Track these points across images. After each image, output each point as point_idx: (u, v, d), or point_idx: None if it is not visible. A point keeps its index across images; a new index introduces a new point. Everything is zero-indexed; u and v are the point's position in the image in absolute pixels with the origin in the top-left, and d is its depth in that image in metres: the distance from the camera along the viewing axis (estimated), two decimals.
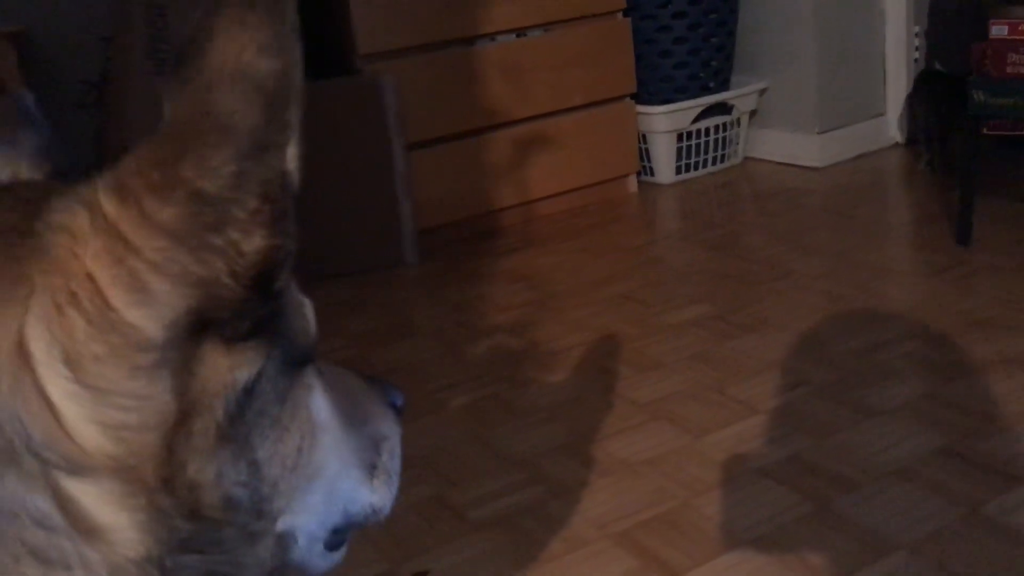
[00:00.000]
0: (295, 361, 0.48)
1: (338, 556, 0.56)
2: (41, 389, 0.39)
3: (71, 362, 0.39)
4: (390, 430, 0.60)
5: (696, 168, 3.05)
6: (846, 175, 2.90)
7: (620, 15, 2.83)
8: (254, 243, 0.40)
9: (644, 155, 3.02)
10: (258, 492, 0.45)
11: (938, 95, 2.67)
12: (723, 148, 3.07)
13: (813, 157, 2.97)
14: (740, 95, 3.02)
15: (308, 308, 0.51)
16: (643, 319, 2.06)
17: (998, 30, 2.16)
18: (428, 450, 1.62)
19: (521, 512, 1.43)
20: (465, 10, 2.56)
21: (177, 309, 0.39)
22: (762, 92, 3.05)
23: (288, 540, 0.49)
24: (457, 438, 1.67)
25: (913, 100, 2.91)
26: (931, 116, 2.73)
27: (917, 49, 3.02)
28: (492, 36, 2.64)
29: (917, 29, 3.00)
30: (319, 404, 0.51)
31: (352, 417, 0.55)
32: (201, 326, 0.41)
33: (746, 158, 3.14)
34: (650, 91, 2.95)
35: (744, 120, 3.08)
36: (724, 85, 3.02)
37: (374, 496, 0.57)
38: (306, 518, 0.50)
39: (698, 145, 3.03)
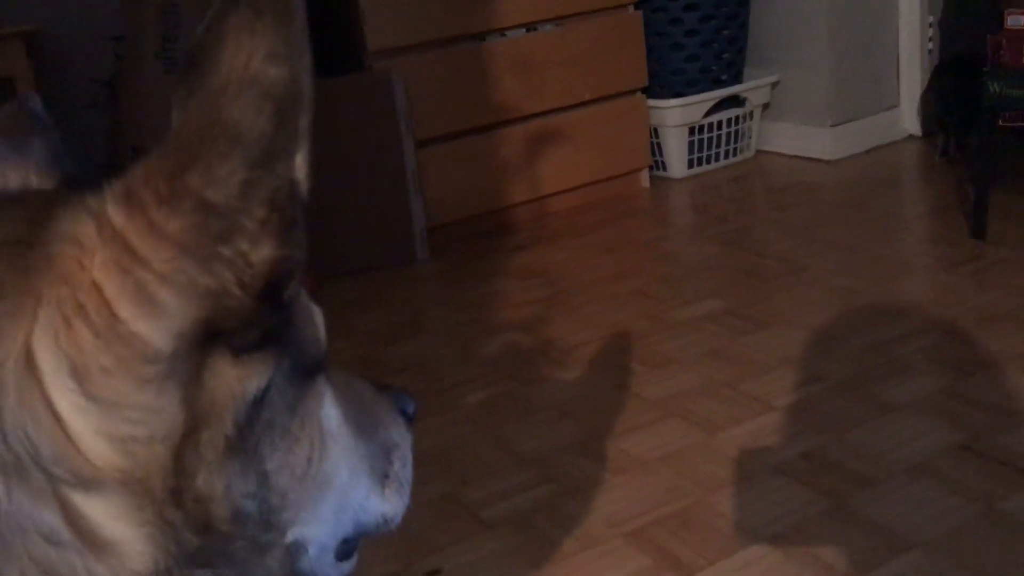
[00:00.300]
0: (305, 371, 0.47)
1: (349, 566, 0.55)
2: (49, 402, 0.38)
3: (78, 374, 0.38)
4: (401, 438, 0.60)
5: (708, 162, 3.03)
6: (859, 168, 2.88)
7: (631, 8, 2.82)
8: (262, 253, 0.40)
9: (656, 149, 3.01)
10: (267, 503, 0.45)
11: (956, 85, 2.65)
12: (735, 142, 3.06)
13: (826, 150, 2.95)
14: (752, 88, 3.00)
15: (318, 317, 0.51)
16: (656, 315, 2.05)
17: (1014, 20, 2.13)
18: (440, 448, 1.62)
19: (534, 510, 1.43)
20: (475, 5, 2.55)
21: (185, 320, 0.39)
22: (774, 85, 3.03)
23: (298, 551, 0.48)
24: (470, 436, 1.66)
25: (930, 90, 2.88)
26: (948, 106, 2.70)
27: (931, 40, 2.99)
28: (502, 31, 2.63)
29: (931, 20, 2.98)
30: (330, 413, 0.50)
31: (363, 425, 0.55)
32: (209, 337, 0.40)
33: (758, 151, 3.12)
34: (662, 85, 2.93)
35: (756, 113, 3.06)
36: (736, 78, 3.00)
37: (385, 505, 0.56)
38: (316, 528, 0.49)
39: (710, 139, 3.01)
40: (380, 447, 0.57)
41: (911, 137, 3.05)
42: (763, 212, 2.71)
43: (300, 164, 0.41)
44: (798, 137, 3.02)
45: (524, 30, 2.66)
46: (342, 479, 0.51)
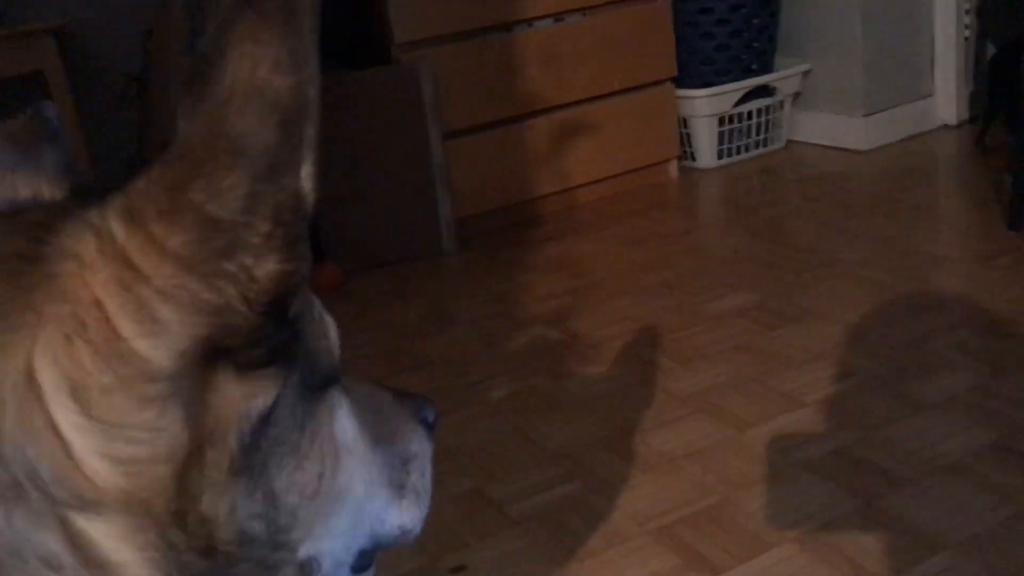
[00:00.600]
0: (316, 385, 0.46)
1: None
2: (51, 422, 0.37)
3: (78, 394, 0.37)
4: (420, 448, 0.59)
5: (738, 152, 3.00)
6: (893, 159, 2.83)
7: None
8: (266, 268, 0.39)
9: (685, 140, 2.98)
10: (275, 523, 0.44)
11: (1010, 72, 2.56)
12: (766, 132, 3.02)
13: (859, 140, 2.90)
14: (783, 77, 2.96)
15: (331, 329, 0.50)
16: (684, 309, 2.03)
17: None
18: (466, 443, 1.62)
19: (561, 506, 1.42)
20: None
21: (186, 338, 0.38)
22: (806, 74, 2.99)
23: (311, 567, 0.47)
24: (496, 431, 1.66)
25: (987, 77, 2.78)
26: (1002, 95, 2.61)
27: (967, 28, 2.93)
28: (530, 22, 2.61)
29: (967, 6, 2.92)
30: (344, 425, 0.49)
31: (380, 436, 0.54)
32: (213, 354, 0.39)
33: (789, 142, 3.08)
34: (691, 74, 2.90)
35: (787, 103, 3.02)
36: (767, 67, 2.96)
37: (402, 516, 0.56)
38: (331, 543, 0.48)
39: (740, 129, 2.98)
40: (397, 457, 0.56)
41: (946, 127, 2.99)
42: (794, 203, 2.67)
43: (306, 176, 0.40)
44: (830, 127, 2.98)
45: (552, 20, 2.64)
46: (358, 492, 0.50)
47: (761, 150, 3.03)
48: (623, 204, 2.77)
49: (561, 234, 2.62)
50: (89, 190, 0.47)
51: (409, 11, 2.42)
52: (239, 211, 0.37)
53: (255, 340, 0.40)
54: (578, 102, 2.71)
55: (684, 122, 2.95)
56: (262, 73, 0.37)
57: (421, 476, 0.58)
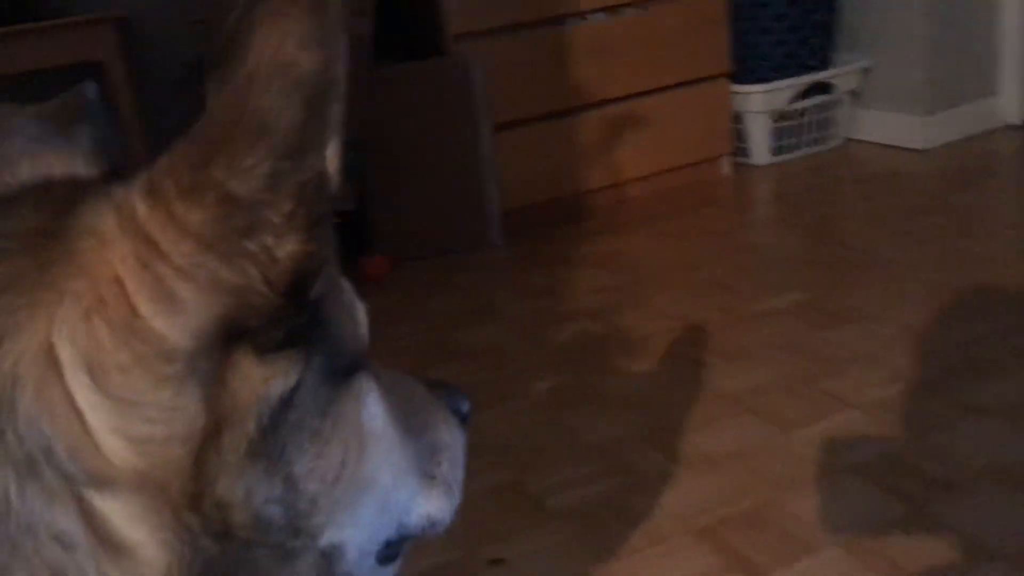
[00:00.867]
0: (342, 370, 0.45)
1: (392, 570, 0.54)
2: (68, 399, 0.37)
3: (95, 371, 0.37)
4: (451, 438, 0.58)
5: (794, 150, 2.95)
6: (953, 158, 2.76)
7: None
8: (287, 248, 0.38)
9: (739, 136, 2.94)
10: (294, 509, 0.43)
11: None
12: (823, 129, 2.97)
13: (918, 139, 2.83)
14: (842, 74, 2.91)
15: (361, 313, 0.49)
16: (732, 306, 2.00)
17: None
18: (507, 436, 1.61)
19: (600, 503, 1.41)
20: None
21: (205, 317, 0.38)
22: (865, 71, 2.93)
23: (335, 555, 0.47)
24: (537, 425, 1.65)
25: None
26: None
27: None
28: (584, 15, 2.59)
29: None
30: (372, 412, 0.48)
31: (410, 425, 0.53)
32: (233, 335, 0.39)
33: (847, 139, 3.02)
34: (747, 70, 2.86)
35: (846, 100, 2.96)
36: (825, 63, 2.91)
37: (431, 507, 0.55)
38: (355, 531, 0.47)
39: (796, 126, 2.93)
40: (428, 447, 0.55)
41: (1009, 127, 2.91)
42: (849, 202, 2.62)
43: (331, 156, 0.39)
44: (890, 125, 2.91)
45: (605, 14, 2.62)
46: (384, 481, 0.49)
47: (817, 148, 2.97)
48: (673, 200, 2.74)
49: (609, 229, 2.60)
50: (122, 168, 0.47)
51: (464, 3, 2.42)
52: (261, 190, 0.37)
53: (275, 321, 0.39)
54: (630, 96, 2.69)
55: (738, 118, 2.91)
56: (288, 50, 0.36)
57: (452, 467, 0.57)
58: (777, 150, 2.93)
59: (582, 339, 1.97)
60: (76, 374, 0.37)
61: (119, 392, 0.37)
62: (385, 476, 0.50)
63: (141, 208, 0.38)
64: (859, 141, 3.00)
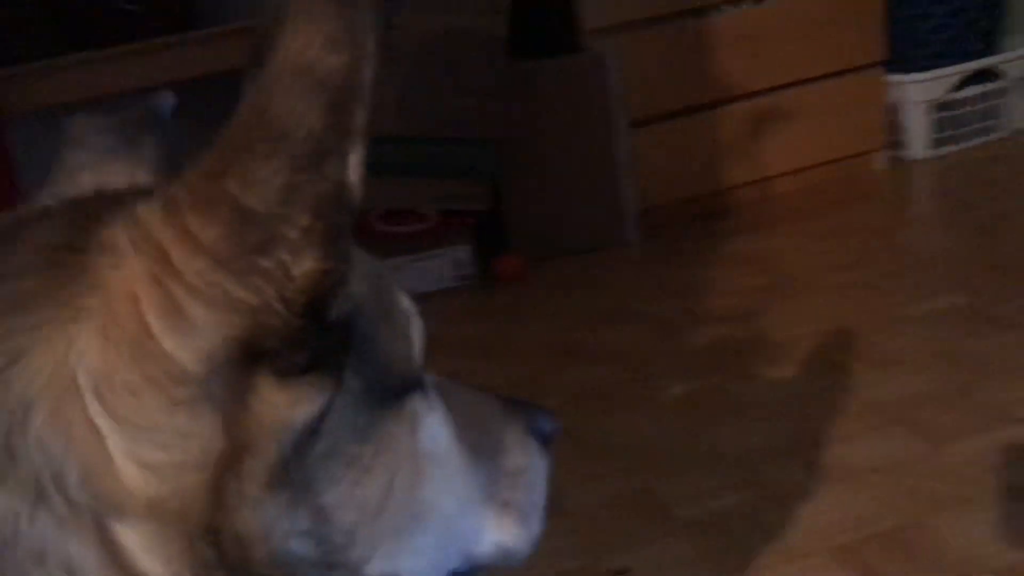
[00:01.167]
0: (389, 392, 0.43)
1: None
2: (81, 422, 0.36)
3: (106, 393, 0.36)
4: (529, 462, 0.54)
5: (955, 142, 2.76)
6: None
7: None
8: (304, 266, 0.36)
9: (895, 128, 2.78)
10: (329, 542, 0.40)
11: None
12: (988, 119, 2.76)
13: None
14: (1011, 60, 2.70)
15: (415, 330, 0.46)
16: (884, 310, 1.89)
17: None
18: (637, 441, 1.57)
19: (732, 515, 1.35)
20: None
21: (217, 339, 0.36)
22: None
23: None
24: (669, 431, 1.60)
25: None
26: None
27: None
28: (725, 5, 2.51)
29: None
30: (431, 435, 0.46)
31: (480, 448, 0.50)
32: (251, 358, 0.36)
33: (1017, 131, 2.80)
34: (904, 58, 2.69)
35: (1016, 87, 2.75)
36: (990, 48, 2.71)
37: (504, 537, 0.51)
38: (411, 561, 0.44)
39: (959, 116, 2.74)
40: (502, 471, 0.52)
41: None
42: (1016, 198, 2.43)
43: (354, 165, 0.36)
44: None
45: (750, 3, 2.53)
46: (446, 508, 0.47)
47: (982, 139, 2.77)
48: (822, 196, 2.61)
49: (752, 227, 2.50)
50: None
51: None
52: (276, 203, 0.35)
53: (295, 343, 0.37)
54: (776, 88, 2.58)
55: (894, 109, 2.75)
56: (313, 51, 0.34)
57: (529, 492, 0.53)
58: (936, 143, 2.75)
59: (720, 342, 1.90)
60: (89, 396, 0.36)
61: (130, 415, 0.36)
62: (447, 503, 0.47)
63: (156, 223, 0.36)
64: None
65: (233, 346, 0.36)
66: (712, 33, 2.49)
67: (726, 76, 2.51)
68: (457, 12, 2.28)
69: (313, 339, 0.38)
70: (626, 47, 2.39)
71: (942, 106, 2.71)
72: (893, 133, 2.77)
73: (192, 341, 0.36)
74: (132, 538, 0.37)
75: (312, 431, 0.39)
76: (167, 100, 0.52)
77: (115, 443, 0.36)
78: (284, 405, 0.38)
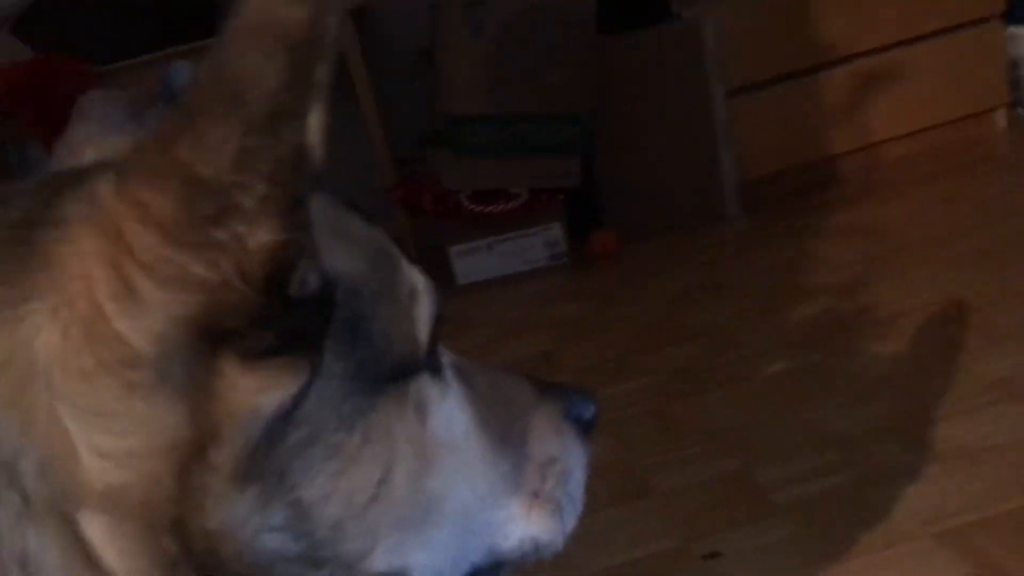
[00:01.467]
0: (387, 375, 0.40)
1: None
2: (37, 408, 0.34)
3: (62, 378, 0.34)
4: (563, 449, 0.50)
5: None
6: None
7: None
8: (260, 238, 0.34)
9: (1017, 85, 2.60)
10: (310, 537, 0.38)
11: None
12: None
13: None
14: None
15: (421, 307, 0.43)
16: (1001, 281, 1.77)
17: None
18: (734, 421, 1.52)
19: (832, 498, 1.29)
20: None
21: (168, 319, 0.34)
22: None
23: None
24: (767, 410, 1.54)
25: None
26: None
27: None
28: None
29: None
30: (443, 420, 0.43)
31: (506, 434, 0.47)
32: (213, 338, 0.34)
33: None
34: None
35: None
36: None
37: (535, 529, 0.48)
38: (425, 555, 0.42)
39: None
40: (530, 460, 0.48)
41: None
42: None
43: (313, 126, 0.34)
44: None
45: None
46: (462, 498, 0.44)
47: None
48: (935, 161, 2.47)
49: (859, 196, 2.39)
50: None
51: None
52: (229, 170, 0.32)
53: (259, 323, 0.35)
54: (885, 48, 2.45)
55: (1016, 64, 2.58)
56: (272, 4, 0.32)
57: (563, 482, 0.49)
58: None
59: (824, 318, 1.82)
60: (44, 381, 0.34)
61: (86, 401, 0.34)
62: (464, 494, 0.44)
63: (109, 196, 0.34)
64: None
65: (189, 325, 0.34)
66: None
67: (828, 38, 2.40)
68: None
69: (279, 317, 0.36)
70: (721, 12, 2.30)
71: None
72: (1015, 90, 2.59)
73: (143, 321, 0.34)
74: (96, 531, 0.35)
75: (285, 418, 0.37)
76: (182, 71, 0.51)
77: (75, 430, 0.35)
78: (252, 390, 0.36)
